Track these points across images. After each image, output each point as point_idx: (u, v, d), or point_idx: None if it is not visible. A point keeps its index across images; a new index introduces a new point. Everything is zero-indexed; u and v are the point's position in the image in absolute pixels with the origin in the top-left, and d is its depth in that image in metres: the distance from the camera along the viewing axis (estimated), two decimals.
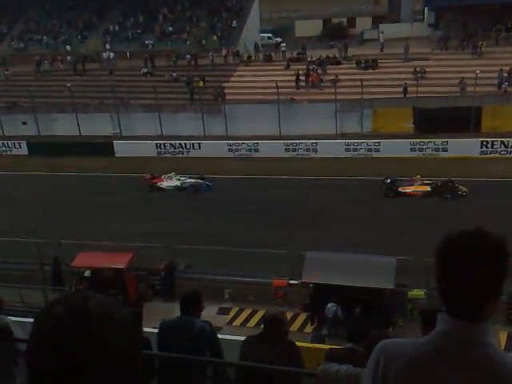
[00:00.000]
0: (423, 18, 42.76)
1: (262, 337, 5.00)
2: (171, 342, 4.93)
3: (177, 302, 16.77)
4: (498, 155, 27.82)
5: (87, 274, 18.69)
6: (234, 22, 42.80)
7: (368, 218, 21.57)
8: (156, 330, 5.24)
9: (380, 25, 45.06)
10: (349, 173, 26.31)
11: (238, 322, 17.27)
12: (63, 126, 35.67)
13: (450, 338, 1.60)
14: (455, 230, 1.61)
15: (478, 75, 29.25)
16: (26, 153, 34.98)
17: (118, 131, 35.25)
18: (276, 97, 31.29)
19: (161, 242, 18.83)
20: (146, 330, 5.58)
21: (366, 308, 15.33)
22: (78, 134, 35.39)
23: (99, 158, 31.14)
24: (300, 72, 35.08)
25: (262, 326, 5.17)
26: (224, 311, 17.68)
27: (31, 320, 1.19)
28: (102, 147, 33.01)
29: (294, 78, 34.83)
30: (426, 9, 41.23)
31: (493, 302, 1.59)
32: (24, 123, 37.08)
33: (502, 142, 27.96)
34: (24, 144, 35.30)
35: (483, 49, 34.11)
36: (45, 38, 45.64)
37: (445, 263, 1.59)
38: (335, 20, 54.58)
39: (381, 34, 38.59)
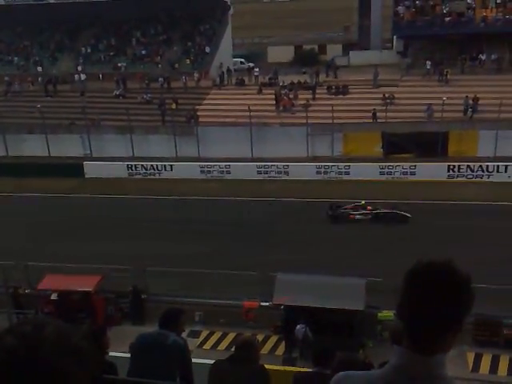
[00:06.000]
0: (392, 45, 43.96)
1: (230, 360, 5.00)
2: (145, 353, 4.95)
3: (146, 325, 16.41)
4: (464, 179, 28.51)
5: (54, 296, 18.27)
6: (207, 47, 43.25)
7: (339, 240, 21.75)
8: (124, 355, 5.23)
9: (350, 52, 46.23)
10: (320, 195, 26.56)
11: (208, 345, 17.07)
12: (32, 147, 35.20)
13: (404, 372, 1.57)
14: (423, 261, 1.58)
15: (445, 102, 30.12)
16: None
17: (89, 152, 34.96)
18: (248, 120, 31.58)
19: (131, 264, 18.59)
20: (113, 354, 5.53)
21: (336, 329, 15.35)
22: (48, 154, 34.98)
23: (68, 178, 30.77)
24: (272, 96, 35.60)
25: (232, 349, 5.17)
26: (194, 334, 17.44)
27: None
28: (71, 168, 32.62)
29: (266, 102, 35.26)
30: (394, 37, 42.44)
31: (454, 335, 1.56)
32: None
33: (469, 166, 28.68)
34: None
35: (449, 76, 35.20)
36: (16, 58, 45.30)
37: (410, 296, 1.56)
38: (307, 46, 55.73)
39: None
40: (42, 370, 1.02)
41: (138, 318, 18.02)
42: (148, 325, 15.64)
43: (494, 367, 14.79)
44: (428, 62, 36.04)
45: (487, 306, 14.57)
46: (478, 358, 15.21)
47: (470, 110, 32.14)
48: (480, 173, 28.56)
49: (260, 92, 37.37)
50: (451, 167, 28.87)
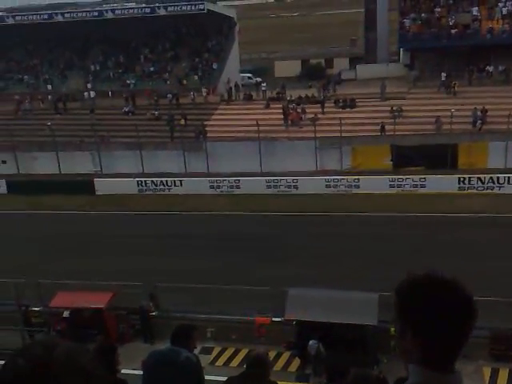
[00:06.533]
0: (399, 58, 44.07)
1: (243, 377, 4.96)
2: (157, 370, 4.92)
3: (158, 342, 16.27)
4: (475, 191, 28.31)
5: (66, 314, 18.25)
6: (215, 63, 43.59)
7: (350, 254, 21.62)
8: (136, 372, 5.20)
9: (357, 65, 46.38)
10: (330, 208, 26.50)
11: (220, 362, 16.92)
12: (43, 165, 35.52)
13: None
14: (427, 278, 1.53)
15: (453, 114, 30.07)
16: (5, 191, 34.58)
17: (99, 169, 35.18)
18: (257, 135, 31.68)
19: (142, 280, 18.57)
20: (125, 371, 5.51)
21: (349, 345, 15.20)
22: (58, 172, 35.25)
23: (79, 195, 30.95)
24: (281, 110, 35.74)
25: (244, 366, 5.14)
26: (206, 351, 17.29)
27: None
28: (82, 185, 32.83)
29: (274, 116, 35.40)
30: (401, 50, 42.55)
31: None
32: (3, 162, 36.83)
33: (479, 178, 28.45)
34: (3, 182, 34.92)
35: (457, 88, 35.18)
36: (26, 77, 45.87)
37: (429, 318, 1.50)
38: (313, 61, 56.00)
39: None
40: None
41: (148, 336, 17.98)
42: (160, 342, 15.57)
43: (511, 382, 14.56)
44: (443, 74, 36.01)
45: (502, 320, 14.44)
46: (494, 373, 14.98)
47: (478, 121, 32.05)
48: (491, 184, 28.38)
49: (268, 107, 37.54)
50: (462, 179, 28.69)
